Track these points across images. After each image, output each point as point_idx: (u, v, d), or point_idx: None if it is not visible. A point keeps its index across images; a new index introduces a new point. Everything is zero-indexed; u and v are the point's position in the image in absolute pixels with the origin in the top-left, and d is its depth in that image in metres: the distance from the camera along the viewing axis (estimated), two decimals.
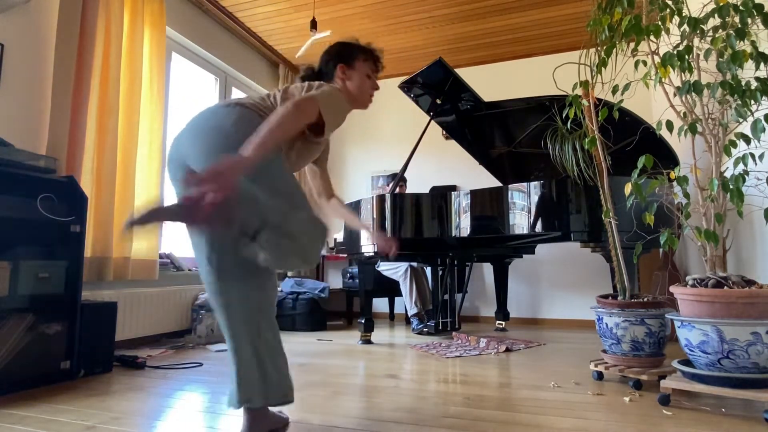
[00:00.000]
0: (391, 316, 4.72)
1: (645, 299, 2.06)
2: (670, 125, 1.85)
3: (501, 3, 3.85)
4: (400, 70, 5.07)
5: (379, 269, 4.01)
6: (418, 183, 4.81)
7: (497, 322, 3.96)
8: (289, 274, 4.70)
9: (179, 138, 1.44)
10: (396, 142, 5.10)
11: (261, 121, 1.34)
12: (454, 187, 4.77)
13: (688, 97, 1.85)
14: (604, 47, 2.08)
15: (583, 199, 2.64)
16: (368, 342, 3.24)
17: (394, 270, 3.94)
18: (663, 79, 1.85)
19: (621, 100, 2.03)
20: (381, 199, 3.16)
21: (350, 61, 1.69)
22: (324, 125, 1.46)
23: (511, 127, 3.47)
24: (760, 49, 1.71)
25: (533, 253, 4.02)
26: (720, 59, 1.74)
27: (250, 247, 1.34)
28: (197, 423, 1.59)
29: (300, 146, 1.57)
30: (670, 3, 1.86)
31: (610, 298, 2.15)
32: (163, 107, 3.16)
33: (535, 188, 2.79)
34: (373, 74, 1.73)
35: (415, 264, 3.94)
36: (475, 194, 3.02)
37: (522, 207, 2.81)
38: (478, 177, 4.44)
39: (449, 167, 4.84)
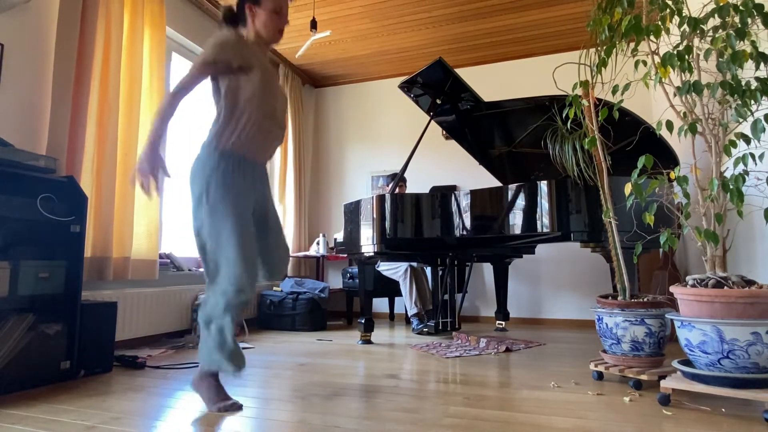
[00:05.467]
0: (391, 316, 4.72)
1: (645, 299, 2.06)
2: (670, 125, 1.85)
3: (501, 3, 3.84)
4: (400, 70, 5.07)
5: (379, 269, 4.01)
6: (418, 183, 4.81)
7: (497, 322, 3.96)
8: (290, 273, 4.70)
9: None
10: (396, 142, 5.10)
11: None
12: (454, 187, 4.77)
13: (688, 97, 1.85)
14: (604, 47, 2.08)
15: (583, 199, 2.64)
16: (368, 342, 3.24)
17: (394, 270, 3.94)
18: (663, 79, 1.85)
19: (621, 100, 2.03)
20: (381, 199, 3.16)
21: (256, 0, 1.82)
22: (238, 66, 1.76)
23: (511, 127, 3.47)
24: (760, 49, 1.71)
25: (533, 253, 4.02)
26: (720, 59, 1.74)
27: None
28: (197, 423, 1.59)
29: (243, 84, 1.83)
30: (670, 3, 1.86)
31: (610, 298, 2.15)
32: None
33: (535, 188, 2.79)
34: (282, 10, 1.85)
35: (415, 264, 3.94)
36: (475, 194, 3.02)
37: (522, 207, 2.81)
38: (478, 177, 4.44)
39: (449, 167, 4.84)
